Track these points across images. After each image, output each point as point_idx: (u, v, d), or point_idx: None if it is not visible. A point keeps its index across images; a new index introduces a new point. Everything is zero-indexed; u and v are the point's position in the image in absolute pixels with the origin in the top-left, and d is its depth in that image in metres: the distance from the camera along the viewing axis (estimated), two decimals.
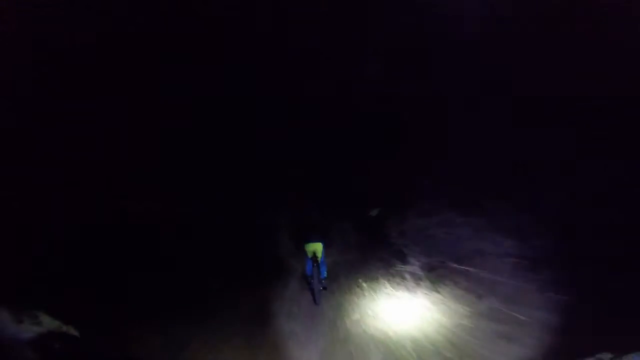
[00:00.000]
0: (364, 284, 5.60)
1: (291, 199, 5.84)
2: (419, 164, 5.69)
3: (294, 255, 5.83)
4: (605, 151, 5.06)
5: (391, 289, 5.53)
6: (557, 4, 5.16)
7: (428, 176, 5.66)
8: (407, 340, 4.89)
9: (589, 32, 5.04)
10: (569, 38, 5.14)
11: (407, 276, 5.56)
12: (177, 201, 5.39)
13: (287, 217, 5.87)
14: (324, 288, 5.48)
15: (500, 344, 4.57)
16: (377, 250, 5.86)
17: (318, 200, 5.91)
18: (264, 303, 5.32)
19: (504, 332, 4.64)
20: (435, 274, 5.45)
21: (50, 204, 4.77)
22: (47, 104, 4.92)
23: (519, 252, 5.12)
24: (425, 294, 5.33)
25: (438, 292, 5.26)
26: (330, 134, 5.71)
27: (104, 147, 5.12)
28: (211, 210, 5.58)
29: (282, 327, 5.20)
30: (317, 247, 5.51)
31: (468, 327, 4.81)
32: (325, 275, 5.50)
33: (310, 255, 5.52)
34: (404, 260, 5.69)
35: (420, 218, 5.74)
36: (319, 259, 5.49)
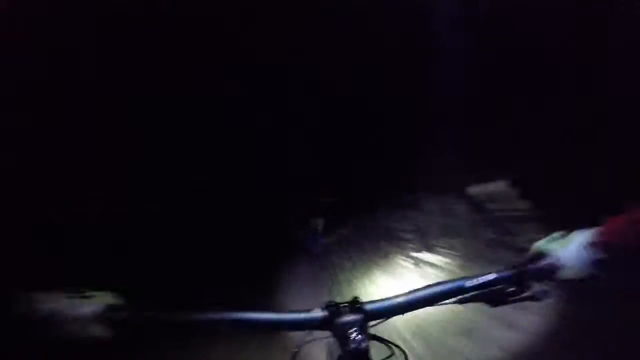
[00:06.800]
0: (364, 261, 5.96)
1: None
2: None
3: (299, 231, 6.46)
4: None
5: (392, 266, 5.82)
6: None
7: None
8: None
9: None
10: None
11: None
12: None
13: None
14: (318, 254, 6.32)
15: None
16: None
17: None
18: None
19: None
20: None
21: None
22: None
23: None
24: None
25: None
26: None
27: None
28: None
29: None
30: (318, 222, 6.30)
31: None
32: (321, 243, 6.35)
33: (312, 229, 6.28)
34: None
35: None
36: (319, 232, 6.32)
